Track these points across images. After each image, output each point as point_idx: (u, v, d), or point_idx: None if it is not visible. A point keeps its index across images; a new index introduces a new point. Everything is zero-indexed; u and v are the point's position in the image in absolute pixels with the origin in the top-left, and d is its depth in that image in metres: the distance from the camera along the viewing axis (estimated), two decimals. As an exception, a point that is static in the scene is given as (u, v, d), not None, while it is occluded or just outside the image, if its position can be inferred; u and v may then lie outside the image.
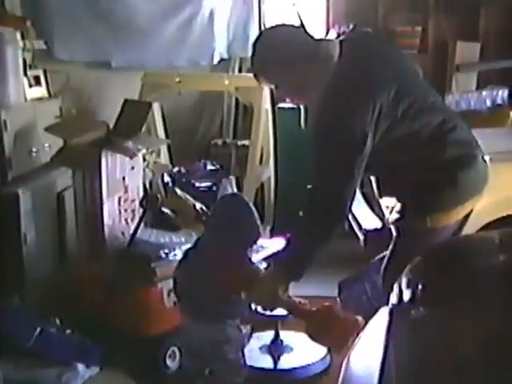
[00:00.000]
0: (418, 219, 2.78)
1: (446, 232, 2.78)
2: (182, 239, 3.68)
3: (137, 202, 3.77)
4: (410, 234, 2.80)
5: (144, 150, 3.90)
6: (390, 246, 2.91)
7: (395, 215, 2.84)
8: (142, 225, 3.60)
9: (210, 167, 4.83)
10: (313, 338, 2.76)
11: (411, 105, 2.67)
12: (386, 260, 2.94)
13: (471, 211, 2.88)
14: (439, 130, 2.74)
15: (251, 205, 3.03)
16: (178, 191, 4.37)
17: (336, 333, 2.64)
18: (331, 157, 2.60)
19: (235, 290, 2.84)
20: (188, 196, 4.34)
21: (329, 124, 2.58)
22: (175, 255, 3.51)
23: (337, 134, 2.57)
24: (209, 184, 4.61)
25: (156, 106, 4.86)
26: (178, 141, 5.01)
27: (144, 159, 4.26)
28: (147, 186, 4.22)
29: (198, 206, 4.29)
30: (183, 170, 4.69)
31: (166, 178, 4.49)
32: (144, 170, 4.19)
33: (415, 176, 2.76)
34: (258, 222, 2.98)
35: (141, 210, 3.64)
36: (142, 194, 3.87)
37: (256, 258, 3.76)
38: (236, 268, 2.84)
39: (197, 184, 4.58)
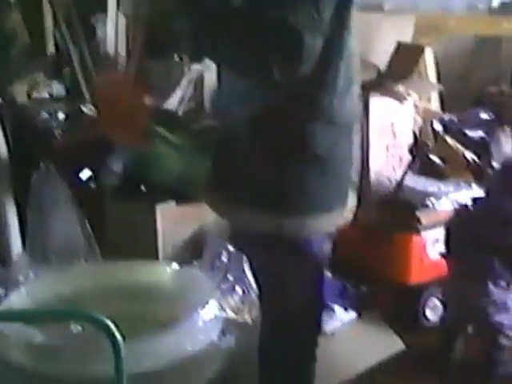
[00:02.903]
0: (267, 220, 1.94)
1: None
2: (451, 188, 3.52)
3: (405, 148, 3.66)
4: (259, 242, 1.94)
5: (415, 95, 3.75)
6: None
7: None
8: (409, 171, 3.49)
9: (483, 116, 4.56)
10: None
11: None
12: None
13: None
14: None
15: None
16: (449, 139, 4.18)
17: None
18: None
19: None
20: (458, 145, 4.14)
21: None
22: (441, 204, 3.37)
23: None
24: (481, 134, 4.35)
25: (428, 50, 4.67)
26: (450, 87, 4.78)
27: (415, 105, 4.12)
28: (417, 132, 4.09)
29: (469, 155, 4.08)
30: (454, 117, 4.47)
31: (436, 126, 4.31)
32: (413, 117, 4.06)
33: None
34: None
35: (409, 157, 3.54)
36: (410, 140, 3.75)
37: None
38: None
39: (468, 133, 4.34)
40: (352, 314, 3.31)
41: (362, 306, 3.33)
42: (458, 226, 3.01)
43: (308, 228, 1.95)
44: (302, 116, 1.85)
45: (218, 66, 2.01)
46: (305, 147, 1.87)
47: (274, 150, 1.86)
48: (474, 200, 3.09)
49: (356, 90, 1.97)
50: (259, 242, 1.91)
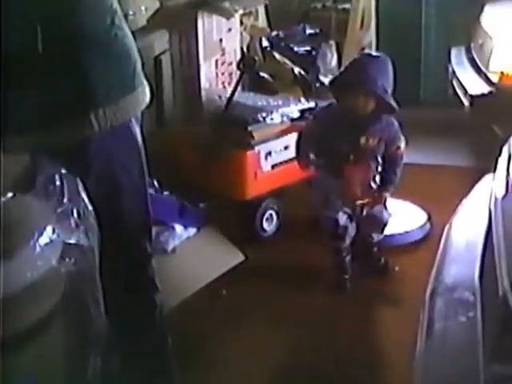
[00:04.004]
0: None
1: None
2: (280, 103, 3.60)
3: (234, 65, 3.70)
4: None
5: (241, 11, 3.78)
6: None
7: None
8: (239, 88, 3.54)
9: (309, 31, 4.67)
10: None
11: None
12: None
13: None
14: None
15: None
16: (277, 55, 4.26)
17: None
18: None
19: None
20: (286, 60, 4.23)
21: None
22: (272, 119, 3.46)
23: None
24: (308, 48, 4.46)
25: (253, -33, 4.68)
26: (277, 3, 4.85)
27: (241, 23, 4.15)
28: (245, 49, 4.13)
29: (297, 70, 4.19)
30: (282, 33, 4.55)
31: (264, 42, 4.38)
32: (241, 34, 4.09)
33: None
34: None
35: (238, 73, 3.58)
36: (239, 56, 3.79)
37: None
38: None
39: (295, 48, 4.44)
40: (192, 231, 3.37)
41: (201, 223, 3.39)
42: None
43: (122, 113, 1.96)
44: (76, 9, 1.87)
45: None
46: (82, 35, 1.87)
47: (57, 54, 1.84)
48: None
49: None
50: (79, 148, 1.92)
